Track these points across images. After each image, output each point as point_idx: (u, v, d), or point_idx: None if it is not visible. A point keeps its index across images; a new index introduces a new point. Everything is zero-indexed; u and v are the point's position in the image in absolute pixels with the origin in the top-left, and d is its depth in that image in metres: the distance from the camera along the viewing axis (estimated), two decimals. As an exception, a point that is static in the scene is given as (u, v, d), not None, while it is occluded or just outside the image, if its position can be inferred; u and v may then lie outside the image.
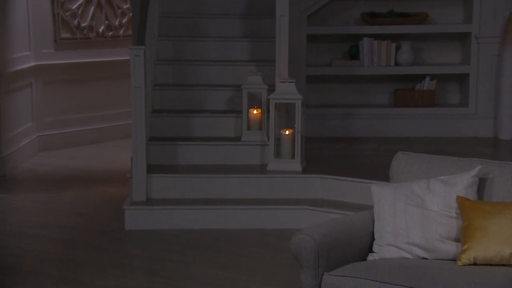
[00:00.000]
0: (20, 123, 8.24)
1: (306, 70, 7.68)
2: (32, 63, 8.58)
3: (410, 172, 4.09)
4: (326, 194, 6.12)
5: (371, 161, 6.66)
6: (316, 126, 7.53)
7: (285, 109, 6.39)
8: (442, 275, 3.50)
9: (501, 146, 7.40)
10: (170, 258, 5.34)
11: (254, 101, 6.49)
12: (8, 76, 7.86)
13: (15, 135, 8.08)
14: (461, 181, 3.84)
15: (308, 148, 6.56)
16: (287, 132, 6.25)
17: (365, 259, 3.89)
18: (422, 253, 3.81)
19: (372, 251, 3.92)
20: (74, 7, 9.07)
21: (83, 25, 9.18)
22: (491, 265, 3.63)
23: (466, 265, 3.65)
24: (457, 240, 3.78)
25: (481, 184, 3.89)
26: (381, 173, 5.25)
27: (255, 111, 6.49)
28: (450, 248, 3.79)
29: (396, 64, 7.77)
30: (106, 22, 9.45)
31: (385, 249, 3.85)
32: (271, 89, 6.41)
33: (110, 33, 9.50)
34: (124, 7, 9.67)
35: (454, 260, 3.74)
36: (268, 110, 6.35)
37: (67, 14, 8.99)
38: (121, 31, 9.64)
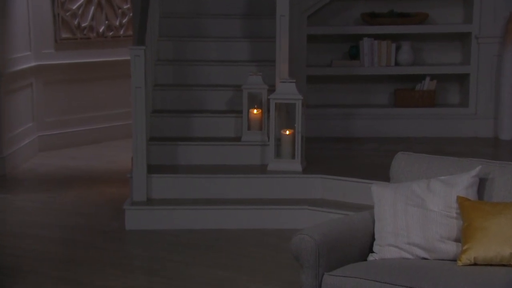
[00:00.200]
0: (20, 123, 8.25)
1: (306, 70, 7.69)
2: (33, 63, 8.59)
3: (410, 172, 4.09)
4: (326, 194, 6.12)
5: (371, 161, 6.67)
6: (316, 126, 7.53)
7: (286, 109, 6.39)
8: (443, 275, 3.50)
9: (501, 146, 7.40)
10: (171, 258, 5.35)
11: (255, 101, 6.50)
12: (8, 76, 7.86)
13: (16, 135, 8.08)
14: (461, 181, 3.84)
15: (308, 148, 6.57)
16: (287, 132, 6.26)
17: (365, 259, 3.90)
18: (422, 253, 3.81)
19: (372, 251, 3.92)
20: (74, 7, 9.08)
21: (83, 25, 9.18)
22: (491, 265, 3.63)
23: (467, 265, 3.65)
24: (457, 240, 3.78)
25: (481, 184, 3.89)
26: (381, 173, 5.26)
27: (255, 111, 6.49)
28: (451, 248, 3.79)
29: (396, 64, 7.77)
30: (107, 22, 9.46)
31: (385, 249, 3.85)
32: (272, 89, 6.41)
33: (111, 33, 9.51)
34: (125, 7, 9.67)
35: (454, 260, 3.74)
36: (268, 110, 6.35)
37: (67, 14, 9.00)
38: (122, 31, 9.64)
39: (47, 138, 8.84)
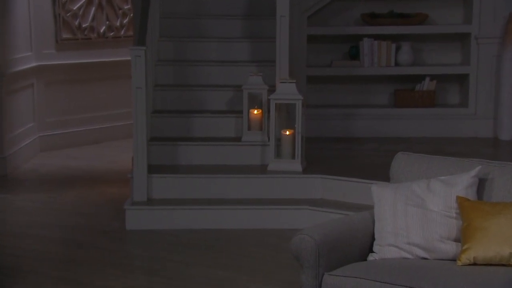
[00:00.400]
0: (21, 124, 8.25)
1: (306, 70, 7.69)
2: (34, 64, 8.60)
3: (410, 172, 4.10)
4: (327, 194, 6.12)
5: (371, 161, 6.67)
6: (316, 126, 7.54)
7: (286, 110, 6.40)
8: (442, 275, 3.51)
9: (501, 146, 7.41)
10: (171, 258, 5.35)
11: (255, 102, 6.51)
12: (9, 77, 7.87)
13: (17, 135, 8.09)
14: (461, 182, 3.85)
15: (308, 148, 6.57)
16: (287, 133, 6.27)
17: (365, 259, 3.90)
18: (422, 253, 3.81)
19: (372, 251, 3.92)
20: (75, 7, 9.09)
21: (84, 25, 9.19)
22: (491, 265, 3.63)
23: (466, 265, 3.66)
24: (457, 240, 3.78)
25: (481, 184, 3.90)
26: (381, 173, 5.26)
27: (255, 112, 6.50)
28: (450, 248, 3.79)
29: (396, 64, 7.78)
30: (107, 22, 9.47)
31: (385, 249, 3.86)
32: (272, 89, 6.42)
33: (111, 34, 9.52)
34: (125, 7, 9.68)
35: (454, 260, 3.75)
36: (268, 111, 6.36)
37: (68, 14, 9.01)
38: (122, 32, 9.65)
39: (48, 138, 8.85)
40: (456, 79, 7.96)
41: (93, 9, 9.28)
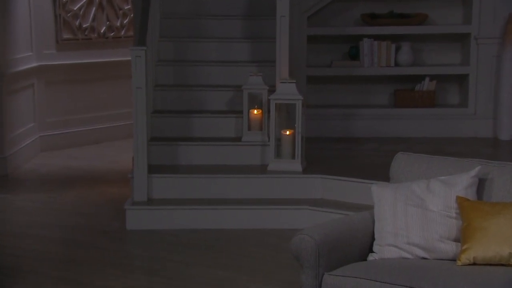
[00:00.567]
0: (22, 124, 8.26)
1: (306, 70, 7.70)
2: (34, 64, 8.61)
3: (410, 172, 4.10)
4: (327, 194, 6.13)
5: (371, 161, 6.68)
6: (316, 126, 7.55)
7: (286, 110, 6.41)
8: (442, 275, 3.52)
9: (501, 146, 7.41)
10: (171, 258, 5.36)
11: (255, 102, 6.51)
12: (10, 77, 7.88)
13: (17, 135, 8.10)
14: (460, 182, 3.85)
15: (308, 148, 6.58)
16: (287, 133, 6.27)
17: (365, 259, 3.90)
18: (422, 253, 3.82)
19: (372, 251, 3.93)
20: (75, 8, 9.09)
21: (84, 26, 9.20)
22: (490, 265, 3.64)
23: (466, 265, 3.66)
24: (456, 240, 3.79)
25: (481, 184, 3.90)
26: (381, 174, 5.27)
27: (255, 112, 6.51)
28: (450, 248, 3.80)
29: (396, 64, 7.79)
30: (108, 23, 9.48)
31: (385, 249, 3.86)
32: (272, 89, 6.42)
33: (112, 34, 9.53)
34: (126, 8, 9.69)
35: (453, 260, 3.75)
36: (268, 111, 6.37)
37: (68, 15, 9.02)
38: (123, 32, 9.66)
39: (48, 138, 8.86)
40: (456, 79, 7.96)
41: (93, 10, 9.29)
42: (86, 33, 9.23)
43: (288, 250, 3.86)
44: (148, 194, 6.12)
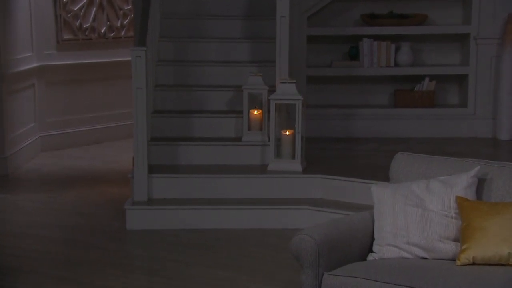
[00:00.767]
0: (22, 124, 8.27)
1: (306, 70, 7.71)
2: (35, 64, 8.61)
3: (410, 172, 4.11)
4: (327, 194, 6.14)
5: (371, 161, 6.68)
6: (316, 126, 7.55)
7: (286, 110, 6.41)
8: (442, 275, 3.52)
9: (500, 146, 7.42)
10: (171, 258, 5.36)
11: (255, 102, 6.52)
12: (11, 77, 7.89)
13: (18, 135, 8.10)
14: (460, 182, 3.86)
15: (308, 148, 6.58)
16: (287, 133, 6.28)
17: (365, 259, 3.91)
18: (421, 253, 3.83)
19: (372, 251, 3.93)
20: (76, 8, 9.10)
21: (85, 26, 9.21)
22: (489, 265, 3.65)
23: (465, 265, 3.67)
24: (456, 240, 3.80)
25: (480, 184, 3.91)
26: (381, 174, 5.28)
27: (255, 112, 6.51)
28: (450, 248, 3.80)
29: (396, 65, 7.79)
30: (108, 23, 9.49)
31: (385, 249, 3.87)
32: (272, 89, 6.43)
33: (112, 34, 9.54)
34: (126, 8, 9.70)
35: (453, 260, 3.76)
36: (268, 111, 6.37)
37: (69, 15, 9.03)
38: (123, 32, 9.67)
39: (49, 138, 8.86)
40: (455, 79, 7.97)
41: (94, 10, 9.30)
42: (86, 34, 9.24)
43: (288, 250, 3.86)
44: (148, 194, 6.13)
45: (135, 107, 6.06)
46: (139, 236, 5.86)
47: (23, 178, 7.70)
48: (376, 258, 3.88)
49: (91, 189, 7.21)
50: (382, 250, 3.87)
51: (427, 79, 7.81)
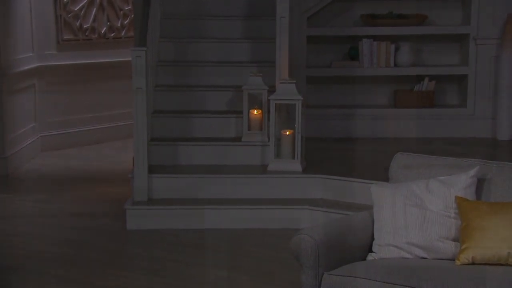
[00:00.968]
0: (23, 124, 8.27)
1: (306, 71, 7.71)
2: (35, 64, 8.62)
3: (410, 172, 4.11)
4: (326, 194, 6.14)
5: (371, 161, 6.69)
6: (316, 126, 7.56)
7: (286, 110, 6.42)
8: (441, 275, 3.53)
9: (499, 146, 7.42)
10: (171, 258, 5.37)
11: (255, 102, 6.53)
12: (11, 77, 7.90)
13: (18, 135, 8.11)
14: (459, 182, 3.87)
15: (308, 149, 6.59)
16: (287, 133, 6.29)
17: (365, 259, 3.92)
18: (421, 253, 3.83)
19: (372, 251, 3.94)
20: (76, 8, 9.11)
21: (85, 26, 9.22)
22: (489, 264, 3.65)
23: (465, 264, 3.68)
24: (455, 240, 3.80)
25: (480, 184, 3.92)
26: (381, 174, 5.28)
27: (255, 112, 6.52)
28: (449, 247, 3.81)
29: (396, 65, 7.80)
30: (108, 23, 9.49)
31: (384, 249, 3.87)
32: (272, 90, 6.44)
33: (112, 35, 9.54)
34: (126, 8, 9.71)
35: (452, 259, 3.77)
36: (268, 111, 6.38)
37: (69, 15, 9.03)
38: (123, 33, 9.68)
39: (49, 139, 8.87)
40: (454, 79, 7.98)
41: (94, 10, 9.30)
42: (86, 34, 9.25)
43: (288, 250, 3.87)
44: (148, 194, 6.14)
45: (135, 107, 6.06)
46: (139, 236, 5.87)
47: (23, 178, 7.70)
48: (376, 258, 3.88)
49: (91, 189, 7.21)
50: (382, 250, 3.88)
51: (426, 79, 7.82)
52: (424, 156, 4.21)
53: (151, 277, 5.03)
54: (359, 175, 6.05)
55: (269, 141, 6.39)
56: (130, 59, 6.02)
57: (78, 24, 9.13)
